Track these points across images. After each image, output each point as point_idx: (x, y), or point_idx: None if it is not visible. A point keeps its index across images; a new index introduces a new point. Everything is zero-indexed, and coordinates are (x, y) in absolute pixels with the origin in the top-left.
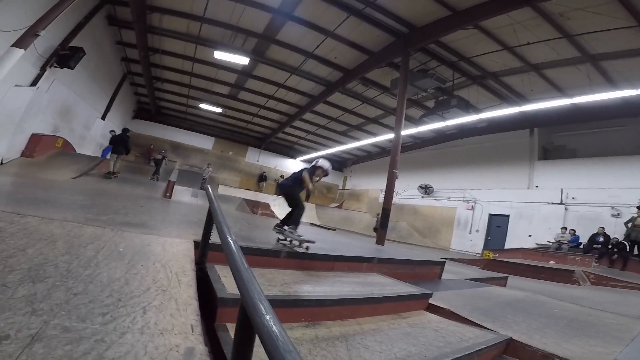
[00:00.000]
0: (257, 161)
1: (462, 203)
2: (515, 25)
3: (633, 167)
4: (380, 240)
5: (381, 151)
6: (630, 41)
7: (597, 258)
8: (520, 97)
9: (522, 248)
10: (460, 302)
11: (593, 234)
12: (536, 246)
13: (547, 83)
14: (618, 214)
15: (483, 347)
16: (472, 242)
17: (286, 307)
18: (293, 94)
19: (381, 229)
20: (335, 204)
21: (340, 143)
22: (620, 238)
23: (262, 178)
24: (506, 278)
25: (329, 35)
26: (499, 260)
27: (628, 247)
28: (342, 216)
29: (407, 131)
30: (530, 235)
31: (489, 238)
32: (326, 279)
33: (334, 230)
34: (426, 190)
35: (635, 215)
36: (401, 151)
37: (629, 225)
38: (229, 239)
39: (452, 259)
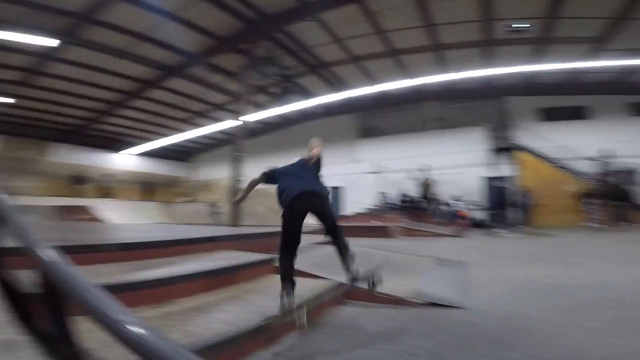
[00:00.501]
0: (70, 160)
1: None
2: (345, 20)
3: (419, 141)
4: (233, 223)
5: (230, 138)
6: (420, 39)
7: (404, 214)
8: (344, 85)
9: (357, 213)
10: (305, 262)
11: (399, 195)
12: (363, 210)
13: (363, 73)
14: (413, 177)
15: (327, 291)
16: None
17: (126, 291)
18: (119, 80)
19: (232, 211)
20: (184, 199)
21: (181, 131)
22: (416, 196)
23: (79, 180)
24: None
25: (175, 19)
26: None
27: (422, 203)
28: (194, 210)
29: (255, 117)
30: (358, 202)
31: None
32: (170, 263)
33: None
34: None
35: (422, 177)
36: (250, 137)
37: (419, 184)
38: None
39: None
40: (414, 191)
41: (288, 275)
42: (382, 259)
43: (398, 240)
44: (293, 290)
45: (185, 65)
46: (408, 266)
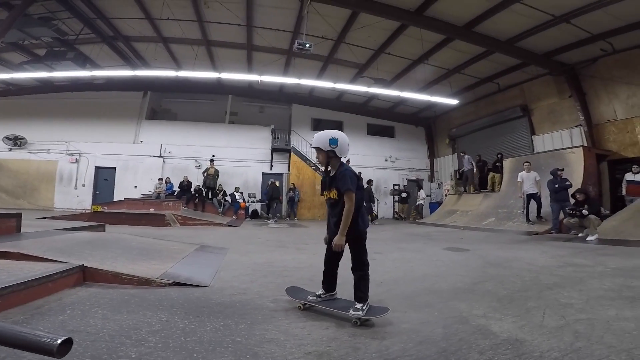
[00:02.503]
0: None
1: (65, 156)
2: (166, 0)
3: (211, 131)
4: None
5: None
6: (237, 36)
7: (185, 203)
8: (143, 63)
9: (126, 199)
10: (37, 246)
11: (180, 182)
12: (141, 196)
13: (169, 55)
14: (199, 166)
15: (51, 273)
16: (79, 199)
17: None
18: None
19: None
20: None
21: None
22: (201, 185)
23: None
24: (103, 226)
25: None
26: (103, 212)
27: (204, 192)
28: None
29: None
30: (135, 187)
31: (97, 192)
32: None
33: None
34: (16, 142)
35: (208, 166)
36: None
37: (204, 174)
38: None
39: (53, 217)
40: (198, 180)
41: None
42: (143, 245)
43: (174, 229)
44: None
45: None
46: (168, 251)
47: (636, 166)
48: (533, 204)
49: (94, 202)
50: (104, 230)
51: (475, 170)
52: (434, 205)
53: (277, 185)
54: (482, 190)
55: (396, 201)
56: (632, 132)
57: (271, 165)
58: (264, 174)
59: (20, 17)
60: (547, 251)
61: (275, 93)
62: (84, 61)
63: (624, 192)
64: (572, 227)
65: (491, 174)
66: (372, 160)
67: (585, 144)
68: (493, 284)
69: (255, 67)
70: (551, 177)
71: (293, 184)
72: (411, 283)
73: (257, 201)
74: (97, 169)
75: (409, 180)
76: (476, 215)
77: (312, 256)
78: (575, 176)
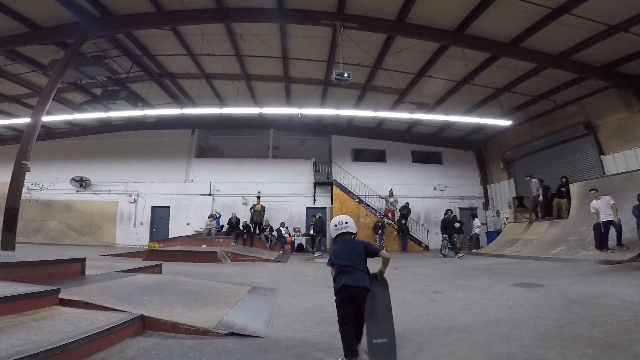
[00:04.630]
0: None
1: (124, 196)
2: (204, 36)
3: (256, 167)
4: (7, 246)
5: (19, 135)
6: (274, 69)
7: (234, 239)
8: (189, 99)
9: (180, 236)
10: (99, 293)
11: (229, 219)
12: (193, 233)
13: (212, 91)
14: (246, 202)
15: (114, 325)
16: (138, 236)
17: None
18: None
19: (7, 231)
20: None
21: None
22: (248, 221)
23: None
24: (160, 265)
25: None
26: (159, 250)
27: (252, 228)
28: None
29: (62, 117)
30: (188, 224)
31: (154, 229)
32: None
33: None
34: (81, 183)
35: (255, 202)
36: (54, 138)
37: (251, 210)
38: None
39: (115, 255)
40: (246, 216)
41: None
42: (197, 289)
43: (225, 265)
44: None
45: None
46: (222, 295)
47: None
48: (612, 231)
49: (150, 239)
50: (161, 272)
51: (540, 195)
52: (491, 235)
53: (321, 218)
54: (546, 218)
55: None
56: None
57: (314, 199)
58: (307, 208)
59: (75, 55)
60: (637, 284)
61: (314, 125)
62: (136, 100)
63: None
64: None
65: (556, 200)
66: (419, 189)
67: None
68: (583, 326)
69: (294, 99)
70: (638, 202)
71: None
72: (484, 329)
73: (302, 235)
74: (153, 208)
75: (460, 209)
76: (542, 244)
77: None
78: None
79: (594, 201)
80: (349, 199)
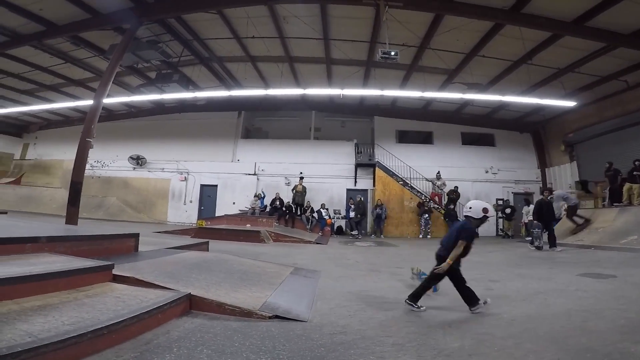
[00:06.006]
0: None
1: (175, 175)
2: (250, 19)
3: (298, 148)
4: (71, 219)
5: (84, 117)
6: (315, 51)
7: (276, 219)
8: (235, 82)
9: (226, 215)
10: (150, 269)
11: (272, 199)
12: (239, 212)
13: (257, 74)
14: (288, 183)
15: (162, 304)
16: (187, 213)
17: None
18: None
19: (71, 205)
20: (7, 179)
21: (22, 103)
22: (290, 202)
23: None
24: (207, 243)
25: None
26: (206, 227)
27: (294, 209)
28: (23, 195)
29: (121, 99)
30: (234, 203)
31: (202, 208)
32: None
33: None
34: (138, 161)
35: (297, 183)
36: (114, 119)
37: (293, 191)
38: None
39: (166, 232)
40: (288, 196)
41: None
42: (243, 268)
43: (268, 245)
44: None
45: (42, 35)
46: (266, 275)
47: None
48: None
49: (199, 217)
50: (208, 249)
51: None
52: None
53: (362, 201)
54: (615, 205)
55: (500, 217)
56: None
57: (355, 181)
58: (348, 190)
59: (131, 40)
60: None
61: (356, 106)
62: (187, 83)
63: None
64: None
65: (627, 185)
66: (470, 172)
67: None
68: None
69: (335, 80)
70: None
71: (380, 200)
72: (553, 321)
73: (342, 217)
74: (202, 186)
75: (514, 194)
76: (610, 233)
77: (411, 283)
78: None
79: None
80: (393, 182)
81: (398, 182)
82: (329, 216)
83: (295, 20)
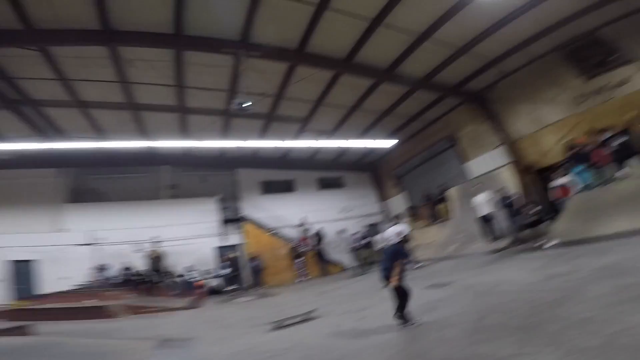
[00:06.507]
0: None
1: None
2: (82, 59)
3: (150, 209)
4: None
5: None
6: (168, 98)
7: (130, 289)
8: (58, 133)
9: (57, 292)
10: None
11: (122, 268)
12: (74, 287)
13: (89, 122)
14: (140, 249)
15: None
16: None
17: None
18: None
19: None
20: None
21: None
22: (145, 269)
23: None
24: (24, 327)
25: None
26: (28, 308)
27: (152, 276)
28: None
29: None
30: (65, 278)
31: (19, 286)
32: None
33: None
34: None
35: (153, 249)
36: None
37: (148, 258)
38: None
39: None
40: (141, 264)
41: None
42: (81, 351)
43: (120, 320)
44: None
45: None
46: (118, 354)
47: (557, 173)
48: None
49: (17, 297)
50: (31, 334)
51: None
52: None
53: (236, 256)
54: (435, 222)
55: (359, 248)
56: (541, 143)
57: (225, 237)
58: (218, 247)
59: None
60: (522, 266)
61: (217, 159)
62: None
63: (553, 197)
64: (530, 238)
65: (439, 205)
66: (329, 213)
67: (511, 161)
68: (499, 315)
69: (192, 131)
70: (499, 196)
71: (253, 252)
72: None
73: (215, 277)
74: (16, 262)
75: (366, 226)
76: (439, 246)
77: (299, 334)
78: (514, 190)
79: (478, 196)
80: (263, 233)
81: (268, 232)
82: (198, 278)
83: (143, 65)
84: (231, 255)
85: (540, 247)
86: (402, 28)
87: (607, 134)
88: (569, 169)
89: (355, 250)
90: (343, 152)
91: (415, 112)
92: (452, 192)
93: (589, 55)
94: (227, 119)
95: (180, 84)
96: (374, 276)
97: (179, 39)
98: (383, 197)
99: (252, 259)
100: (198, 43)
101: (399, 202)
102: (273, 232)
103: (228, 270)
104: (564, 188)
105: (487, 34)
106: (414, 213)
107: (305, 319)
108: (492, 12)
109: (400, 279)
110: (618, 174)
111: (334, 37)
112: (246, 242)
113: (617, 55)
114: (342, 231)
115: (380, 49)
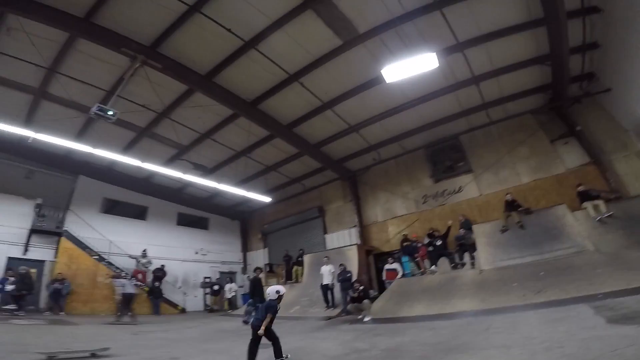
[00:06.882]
0: None
1: None
2: None
3: None
4: None
5: None
6: (27, 77)
7: None
8: None
9: None
10: None
11: None
12: None
13: None
14: None
15: None
16: None
17: None
18: None
19: None
20: None
21: None
22: None
23: None
24: None
25: None
26: None
27: None
28: None
29: None
30: None
31: None
32: None
33: None
34: None
35: None
36: None
37: None
38: None
39: None
40: None
41: None
42: None
43: None
44: None
45: None
46: None
47: (390, 258)
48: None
49: None
50: None
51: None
52: (246, 297)
53: (28, 273)
54: (287, 282)
55: (207, 293)
56: (387, 231)
57: (26, 249)
58: (10, 258)
59: None
60: (337, 337)
61: (60, 158)
62: None
63: (384, 278)
64: (354, 310)
65: (295, 267)
66: (180, 252)
67: (359, 242)
68: None
69: (40, 119)
70: (339, 270)
71: (61, 274)
72: None
73: None
74: None
75: (221, 273)
76: (284, 305)
77: None
78: (353, 268)
79: (323, 267)
80: (84, 255)
81: (92, 256)
82: None
83: (23, 37)
84: (22, 270)
85: (361, 320)
86: (314, 91)
87: (432, 235)
88: (399, 258)
89: (205, 294)
90: (217, 194)
91: (297, 176)
92: (307, 258)
93: (443, 158)
94: (90, 120)
95: (54, 68)
96: (217, 322)
97: (83, 24)
98: (246, 248)
99: (56, 280)
100: (102, 35)
101: (259, 257)
102: (99, 257)
103: (13, 287)
104: (392, 272)
105: (377, 119)
106: (271, 270)
107: (91, 356)
108: (391, 98)
109: (269, 328)
110: (430, 269)
111: (248, 77)
112: (56, 260)
113: (462, 164)
114: (193, 273)
115: (287, 104)
